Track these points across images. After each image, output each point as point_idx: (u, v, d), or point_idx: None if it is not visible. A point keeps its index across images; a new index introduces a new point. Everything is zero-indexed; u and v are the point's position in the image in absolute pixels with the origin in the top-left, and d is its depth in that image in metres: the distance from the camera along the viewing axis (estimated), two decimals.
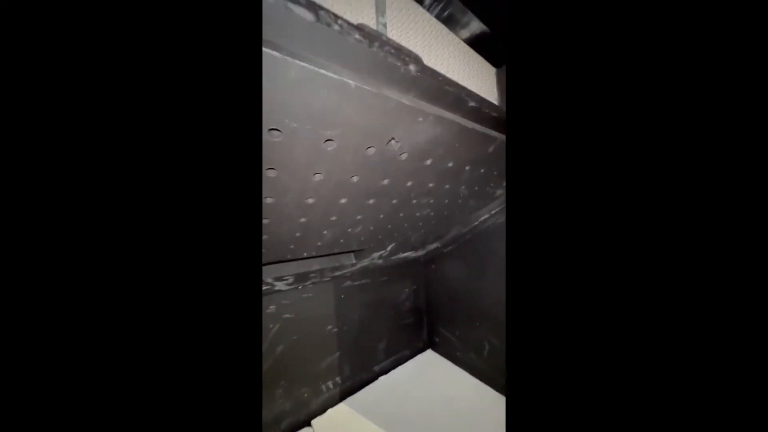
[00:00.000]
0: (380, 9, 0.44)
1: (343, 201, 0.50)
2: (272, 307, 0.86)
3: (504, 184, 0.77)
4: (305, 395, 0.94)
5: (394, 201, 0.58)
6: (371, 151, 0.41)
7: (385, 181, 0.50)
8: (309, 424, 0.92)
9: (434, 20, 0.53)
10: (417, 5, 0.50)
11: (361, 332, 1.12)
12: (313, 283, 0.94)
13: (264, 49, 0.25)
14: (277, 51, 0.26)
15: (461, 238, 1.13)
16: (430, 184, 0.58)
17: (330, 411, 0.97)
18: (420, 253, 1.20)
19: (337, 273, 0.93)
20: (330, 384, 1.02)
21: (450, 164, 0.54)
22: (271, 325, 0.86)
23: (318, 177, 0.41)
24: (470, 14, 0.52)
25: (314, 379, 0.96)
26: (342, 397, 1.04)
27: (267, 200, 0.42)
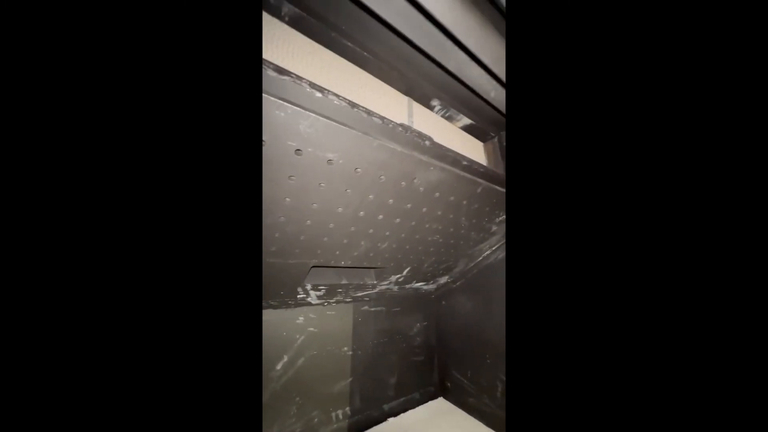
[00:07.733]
0: (410, 113, 0.81)
1: (380, 217, 0.77)
2: (301, 318, 1.01)
3: (497, 220, 1.02)
4: (315, 420, 0.99)
5: (413, 223, 0.84)
6: (403, 183, 0.70)
7: (409, 205, 0.77)
8: None
9: (440, 118, 0.91)
10: (430, 111, 0.88)
11: (373, 359, 1.20)
12: (336, 302, 1.11)
13: (371, 137, 0.58)
14: (373, 138, 0.58)
15: (468, 273, 1.30)
16: (439, 212, 0.84)
17: None
18: (431, 286, 1.35)
19: (359, 293, 1.11)
20: (340, 414, 1.06)
21: (452, 198, 0.81)
22: (298, 336, 0.99)
23: (371, 197, 0.70)
24: (461, 114, 0.89)
25: (326, 402, 1.03)
26: None
27: (338, 209, 0.69)
